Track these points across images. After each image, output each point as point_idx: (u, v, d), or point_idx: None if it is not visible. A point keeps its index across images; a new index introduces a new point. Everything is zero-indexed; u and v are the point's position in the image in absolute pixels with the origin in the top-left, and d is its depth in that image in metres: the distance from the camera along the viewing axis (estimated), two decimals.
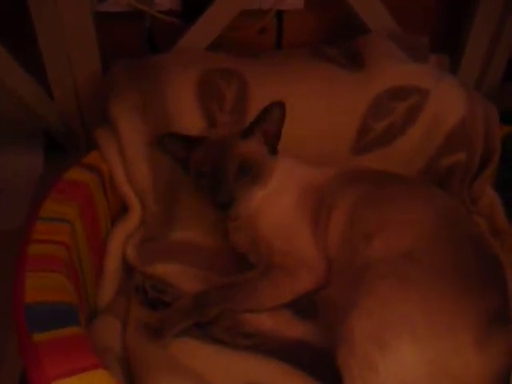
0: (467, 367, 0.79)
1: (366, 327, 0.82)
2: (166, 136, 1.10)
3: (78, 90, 1.35)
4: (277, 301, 1.02)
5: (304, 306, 1.03)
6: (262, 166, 1.07)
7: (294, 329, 1.00)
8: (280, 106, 1.05)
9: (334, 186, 1.07)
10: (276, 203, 1.08)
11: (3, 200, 1.35)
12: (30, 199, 1.30)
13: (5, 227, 1.25)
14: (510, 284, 0.90)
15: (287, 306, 1.03)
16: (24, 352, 0.71)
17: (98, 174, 1.11)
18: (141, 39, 1.41)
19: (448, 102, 1.24)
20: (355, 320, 0.84)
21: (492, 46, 1.45)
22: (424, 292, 0.84)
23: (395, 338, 0.80)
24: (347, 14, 1.40)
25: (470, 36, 1.42)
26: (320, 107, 1.23)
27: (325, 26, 1.50)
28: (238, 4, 1.29)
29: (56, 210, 0.96)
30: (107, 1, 1.30)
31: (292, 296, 1.02)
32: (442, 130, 1.24)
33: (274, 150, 1.10)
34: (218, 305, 0.99)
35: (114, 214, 1.18)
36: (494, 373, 0.80)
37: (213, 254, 1.18)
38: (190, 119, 1.17)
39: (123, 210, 1.19)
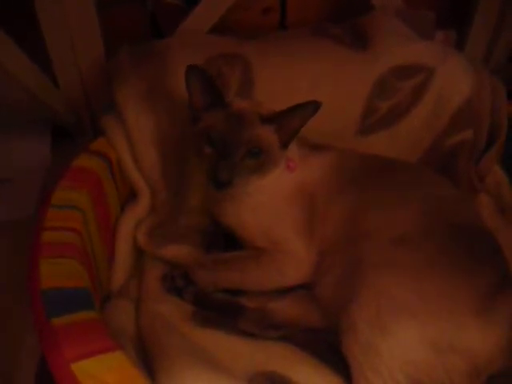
0: (471, 340, 0.82)
1: (365, 316, 0.86)
2: (195, 69, 0.99)
3: (82, 77, 1.35)
4: (263, 285, 1.06)
5: None
6: (269, 156, 1.02)
7: (316, 316, 1.02)
8: (316, 106, 0.98)
9: (327, 190, 1.07)
10: (267, 194, 1.06)
11: (13, 189, 1.35)
12: (39, 188, 1.31)
13: (16, 216, 1.25)
14: None
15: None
16: (43, 336, 0.73)
17: (106, 160, 1.12)
18: (144, 23, 1.41)
19: (454, 80, 1.23)
20: (355, 311, 0.87)
21: (499, 22, 1.43)
22: (416, 277, 0.87)
23: (394, 322, 0.84)
24: None
25: (476, 12, 1.41)
26: (325, 88, 1.22)
27: (329, 4, 1.48)
28: None
29: (67, 197, 0.98)
30: None
31: (276, 288, 1.05)
32: (448, 108, 1.24)
33: (285, 145, 1.04)
34: (207, 272, 1.05)
35: (123, 200, 1.19)
36: (503, 338, 0.83)
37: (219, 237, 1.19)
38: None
39: (132, 195, 1.20)
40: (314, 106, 0.98)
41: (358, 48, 1.26)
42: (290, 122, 1.01)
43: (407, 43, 1.26)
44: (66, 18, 1.24)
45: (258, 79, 1.20)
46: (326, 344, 0.96)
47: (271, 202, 1.06)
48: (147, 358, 0.92)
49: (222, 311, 1.02)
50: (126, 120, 1.14)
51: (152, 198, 1.18)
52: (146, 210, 1.18)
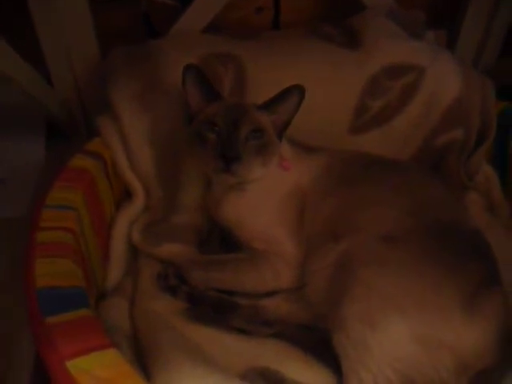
0: (459, 336, 0.83)
1: (356, 312, 0.87)
2: (192, 67, 1.04)
3: (76, 77, 1.36)
4: (257, 287, 1.06)
5: None
6: (270, 140, 1.05)
7: (307, 313, 1.03)
8: (300, 90, 1.03)
9: (317, 189, 1.08)
10: (264, 192, 1.08)
11: (6, 189, 1.36)
12: (33, 187, 1.32)
13: (9, 215, 1.26)
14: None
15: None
16: (38, 335, 0.74)
17: (101, 160, 1.12)
18: (137, 23, 1.41)
19: (444, 80, 1.25)
20: (346, 307, 0.88)
21: (489, 22, 1.45)
22: (404, 274, 0.88)
23: (384, 319, 0.85)
24: None
25: (467, 11, 1.42)
26: (318, 87, 1.22)
27: (322, 4, 1.49)
28: None
29: (62, 197, 0.98)
30: None
31: (272, 289, 1.06)
32: (438, 107, 1.25)
33: (279, 135, 1.08)
34: (201, 271, 1.06)
35: (117, 199, 1.20)
36: (489, 333, 0.85)
37: (214, 236, 1.21)
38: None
39: (127, 194, 1.21)
40: (299, 90, 1.02)
41: (350, 47, 1.27)
42: (280, 107, 1.05)
43: (398, 43, 1.28)
44: (60, 17, 1.25)
45: (251, 80, 1.21)
46: (318, 340, 0.97)
47: (268, 202, 1.08)
48: (142, 354, 0.93)
49: (215, 308, 1.03)
50: (120, 120, 1.15)
51: (146, 197, 1.19)
52: (141, 209, 1.19)
